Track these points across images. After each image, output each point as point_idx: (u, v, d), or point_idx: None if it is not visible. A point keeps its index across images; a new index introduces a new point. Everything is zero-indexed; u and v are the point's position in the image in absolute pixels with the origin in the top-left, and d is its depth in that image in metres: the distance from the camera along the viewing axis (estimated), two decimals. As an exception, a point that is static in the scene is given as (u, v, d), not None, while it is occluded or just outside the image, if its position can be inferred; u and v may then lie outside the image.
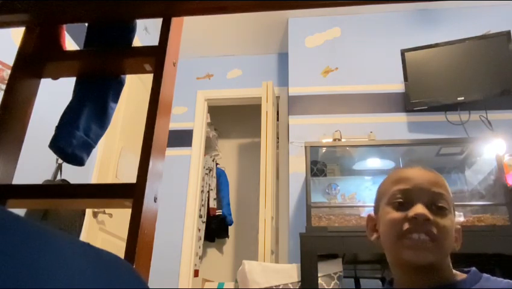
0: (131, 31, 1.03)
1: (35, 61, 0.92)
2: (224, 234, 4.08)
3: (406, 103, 2.72)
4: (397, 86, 2.85)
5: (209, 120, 3.67)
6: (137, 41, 2.55)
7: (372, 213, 0.85)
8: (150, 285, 0.46)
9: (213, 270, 3.97)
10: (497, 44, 2.56)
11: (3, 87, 1.24)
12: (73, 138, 0.93)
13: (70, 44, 1.89)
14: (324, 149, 2.47)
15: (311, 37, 3.13)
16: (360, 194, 2.38)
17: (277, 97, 3.38)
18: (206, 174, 3.74)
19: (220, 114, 4.17)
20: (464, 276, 0.75)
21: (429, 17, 3.03)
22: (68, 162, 0.97)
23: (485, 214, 2.00)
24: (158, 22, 0.94)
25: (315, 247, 1.93)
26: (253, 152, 4.18)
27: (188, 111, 3.48)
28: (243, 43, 3.49)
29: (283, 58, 3.48)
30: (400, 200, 0.76)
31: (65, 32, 1.03)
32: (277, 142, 3.34)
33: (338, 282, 1.94)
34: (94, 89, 0.99)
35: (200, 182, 3.36)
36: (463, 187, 2.38)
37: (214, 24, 3.27)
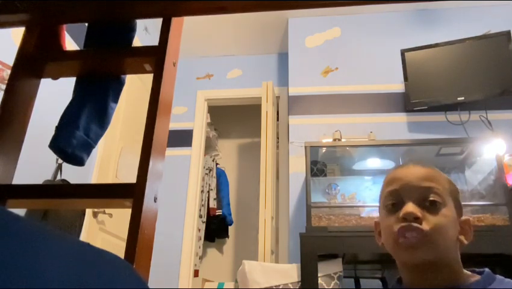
0: (130, 31, 1.03)
1: (35, 61, 0.92)
2: (224, 234, 4.08)
3: (406, 103, 2.72)
4: (397, 86, 2.85)
5: (209, 120, 3.67)
6: (137, 41, 2.56)
7: (377, 218, 0.85)
8: (150, 285, 0.46)
9: (213, 270, 3.97)
10: (497, 44, 2.56)
11: (3, 87, 1.24)
12: (73, 138, 0.93)
13: (70, 44, 1.89)
14: (324, 149, 2.47)
15: (311, 37, 3.13)
16: (360, 194, 2.38)
17: (277, 97, 3.38)
18: (206, 174, 3.74)
19: (220, 114, 4.17)
20: (477, 277, 0.73)
21: (429, 17, 3.03)
22: (68, 162, 0.97)
23: (485, 214, 2.00)
24: (158, 22, 0.94)
25: (315, 247, 1.92)
26: (253, 152, 4.18)
27: (188, 111, 3.48)
28: (243, 43, 3.49)
29: (283, 58, 3.48)
30: (392, 201, 0.76)
31: (65, 32, 1.03)
32: (277, 142, 3.34)
33: (338, 282, 1.94)
34: (94, 89, 0.99)
35: (200, 182, 3.36)
36: (463, 187, 2.38)
37: (214, 24, 3.27)
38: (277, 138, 3.32)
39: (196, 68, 3.60)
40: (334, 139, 2.54)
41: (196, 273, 3.29)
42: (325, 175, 2.43)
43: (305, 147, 2.29)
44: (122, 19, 1.00)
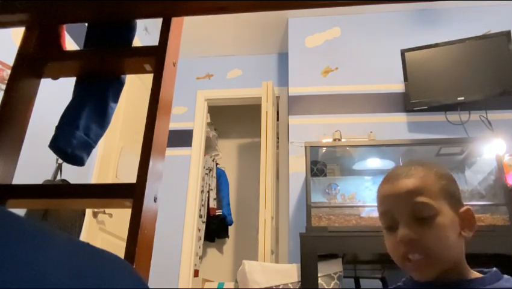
0: (130, 31, 1.03)
1: (35, 61, 0.92)
2: (224, 234, 4.08)
3: (406, 103, 2.72)
4: (397, 86, 2.85)
5: (209, 120, 3.67)
6: (137, 41, 2.55)
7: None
8: (150, 285, 0.46)
9: (213, 270, 3.97)
10: (497, 44, 2.56)
11: (3, 87, 1.24)
12: (73, 138, 0.93)
13: (70, 44, 1.89)
14: (324, 149, 2.47)
15: (311, 37, 3.13)
16: (360, 194, 2.38)
17: (277, 97, 3.38)
18: (206, 174, 3.74)
19: (220, 114, 4.17)
20: (479, 275, 0.73)
21: (429, 17, 3.03)
22: (68, 162, 0.97)
23: (485, 214, 2.00)
24: (158, 22, 0.94)
25: (315, 247, 1.92)
26: (253, 152, 4.18)
27: (188, 111, 3.48)
28: (243, 43, 3.49)
29: (283, 58, 3.48)
30: (387, 224, 0.76)
31: (65, 32, 1.03)
32: (277, 142, 3.34)
33: (338, 282, 1.94)
34: (94, 89, 0.99)
35: (200, 182, 3.36)
36: (463, 187, 2.38)
37: (214, 24, 3.27)
38: (277, 138, 3.32)
39: (196, 68, 3.60)
40: (334, 139, 2.54)
41: (196, 273, 3.29)
42: (325, 175, 2.43)
43: (305, 147, 2.29)
44: (122, 19, 1.00)
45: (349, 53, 3.03)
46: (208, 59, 3.63)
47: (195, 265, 3.19)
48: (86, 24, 1.05)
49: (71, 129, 0.94)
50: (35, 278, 0.25)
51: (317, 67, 3.03)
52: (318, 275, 1.89)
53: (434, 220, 0.71)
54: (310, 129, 2.82)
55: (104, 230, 2.45)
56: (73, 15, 0.96)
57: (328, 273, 1.96)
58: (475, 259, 1.81)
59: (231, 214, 4.02)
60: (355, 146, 2.48)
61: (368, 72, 2.94)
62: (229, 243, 4.21)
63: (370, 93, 2.89)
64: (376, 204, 0.82)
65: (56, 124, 0.96)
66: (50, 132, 0.95)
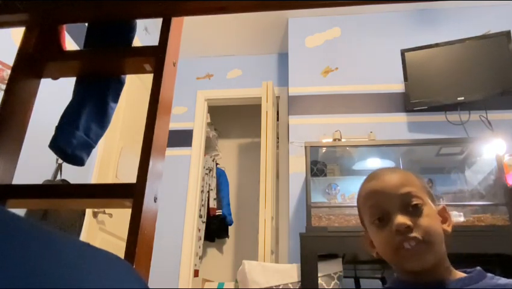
0: (130, 31, 1.03)
1: (35, 61, 0.92)
2: (224, 234, 4.08)
3: (406, 103, 2.72)
4: (397, 86, 2.85)
5: (209, 120, 3.67)
6: (137, 41, 2.56)
7: (364, 231, 0.85)
8: (150, 285, 0.46)
9: (213, 270, 3.97)
10: (497, 44, 2.56)
11: (3, 87, 1.24)
12: (73, 138, 0.93)
13: (70, 44, 1.89)
14: (324, 149, 2.47)
15: (311, 37, 3.13)
16: (360, 194, 2.37)
17: (278, 97, 3.38)
18: (206, 174, 3.74)
19: (220, 114, 4.17)
20: (463, 274, 0.75)
21: (429, 17, 3.03)
22: (68, 162, 0.97)
23: (485, 214, 2.00)
24: (158, 22, 0.94)
25: (315, 247, 1.92)
26: (253, 152, 4.18)
27: (188, 111, 3.48)
28: (243, 43, 3.49)
29: (283, 58, 3.48)
30: (378, 216, 0.77)
31: (65, 32, 1.03)
32: (277, 142, 3.34)
33: (338, 282, 1.94)
34: (94, 89, 0.99)
35: (200, 182, 3.36)
36: (463, 187, 2.38)
37: (214, 24, 3.27)
38: (277, 138, 3.32)
39: (196, 68, 3.60)
40: (334, 139, 2.54)
41: (196, 273, 3.29)
42: (325, 175, 2.43)
43: (305, 147, 2.29)
44: (122, 19, 1.00)
45: (349, 53, 3.03)
46: (208, 59, 3.63)
47: (195, 265, 3.19)
48: (86, 24, 1.05)
49: (71, 129, 0.94)
50: (35, 278, 0.25)
51: (317, 67, 3.03)
52: (318, 275, 1.89)
53: (423, 210, 0.74)
54: (310, 129, 2.82)
55: (104, 230, 2.45)
56: (73, 15, 0.96)
57: (328, 273, 1.96)
58: (475, 259, 1.82)
59: (230, 214, 4.02)
60: (355, 146, 2.48)
61: (368, 72, 2.94)
62: (229, 243, 4.21)
63: (370, 93, 2.89)
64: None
65: (56, 124, 0.96)
66: (50, 132, 0.95)
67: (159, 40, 0.89)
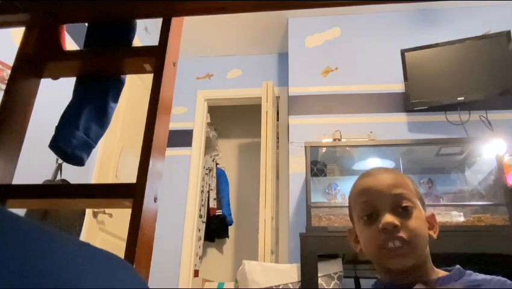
0: (130, 31, 1.03)
1: (35, 61, 0.92)
2: (224, 234, 4.08)
3: (406, 103, 2.72)
4: (397, 86, 2.85)
5: (209, 120, 3.67)
6: (137, 41, 2.55)
7: (351, 226, 0.87)
8: (150, 285, 0.46)
9: (213, 270, 3.97)
10: (497, 44, 2.56)
11: (3, 87, 1.24)
12: (73, 138, 0.93)
13: (70, 44, 1.89)
14: (324, 149, 2.47)
15: (311, 37, 3.13)
16: (360, 194, 2.37)
17: (277, 97, 3.38)
18: (206, 174, 3.74)
19: (220, 114, 4.17)
20: (445, 273, 0.77)
21: (429, 17, 3.03)
22: (68, 162, 0.97)
23: (485, 214, 2.00)
24: (158, 22, 0.94)
25: (315, 247, 1.92)
26: (253, 152, 4.18)
27: (188, 111, 3.48)
28: (243, 43, 3.49)
29: (283, 58, 3.48)
30: (367, 212, 0.78)
31: (65, 32, 1.03)
32: (277, 142, 3.34)
33: (338, 282, 1.94)
34: (94, 89, 0.99)
35: (200, 182, 3.36)
36: (463, 187, 2.38)
37: (214, 24, 3.27)
38: (277, 138, 3.32)
39: (196, 68, 3.60)
40: (334, 139, 2.54)
41: (196, 273, 3.29)
42: (325, 175, 2.43)
43: (305, 147, 2.29)
44: (122, 19, 1.00)
45: (349, 53, 3.03)
46: (208, 59, 3.63)
47: (195, 265, 3.19)
48: (86, 24, 1.05)
49: (72, 129, 0.94)
50: (35, 278, 0.25)
51: (317, 67, 3.03)
52: (318, 275, 1.89)
53: (412, 213, 0.75)
54: (310, 129, 2.82)
55: (104, 230, 2.45)
56: (73, 15, 0.96)
57: (328, 273, 1.96)
58: (475, 259, 1.82)
59: (230, 214, 4.02)
60: (355, 146, 2.48)
61: (368, 72, 2.94)
62: (229, 243, 4.21)
63: (370, 93, 2.89)
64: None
65: (56, 124, 0.96)
66: (50, 132, 0.95)
67: (159, 40, 0.89)
